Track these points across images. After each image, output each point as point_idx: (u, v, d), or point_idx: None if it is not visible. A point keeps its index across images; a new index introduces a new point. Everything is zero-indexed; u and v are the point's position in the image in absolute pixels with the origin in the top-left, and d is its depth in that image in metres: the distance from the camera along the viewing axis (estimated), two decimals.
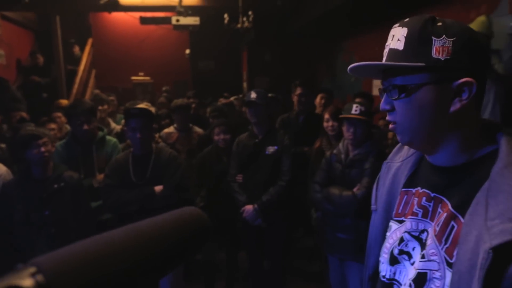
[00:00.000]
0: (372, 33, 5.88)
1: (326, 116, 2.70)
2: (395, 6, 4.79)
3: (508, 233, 0.60)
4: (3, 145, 3.04)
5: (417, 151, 0.87)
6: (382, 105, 0.79)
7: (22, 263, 0.31)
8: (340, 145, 2.37)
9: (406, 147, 0.91)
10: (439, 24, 0.71)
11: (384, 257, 0.86)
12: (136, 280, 0.37)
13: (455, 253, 0.69)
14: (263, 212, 2.59)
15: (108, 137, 2.88)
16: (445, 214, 0.74)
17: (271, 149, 2.61)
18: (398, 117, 0.77)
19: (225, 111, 3.78)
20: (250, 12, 5.76)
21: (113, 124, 3.80)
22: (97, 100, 3.63)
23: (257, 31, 6.29)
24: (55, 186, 2.25)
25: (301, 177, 2.83)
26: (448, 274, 0.70)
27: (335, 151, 2.38)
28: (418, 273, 0.76)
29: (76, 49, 8.02)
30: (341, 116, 2.34)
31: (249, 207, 2.62)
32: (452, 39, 0.70)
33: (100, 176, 2.62)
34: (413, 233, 0.81)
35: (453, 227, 0.72)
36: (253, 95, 2.59)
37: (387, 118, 0.80)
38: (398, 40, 0.74)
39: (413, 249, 0.80)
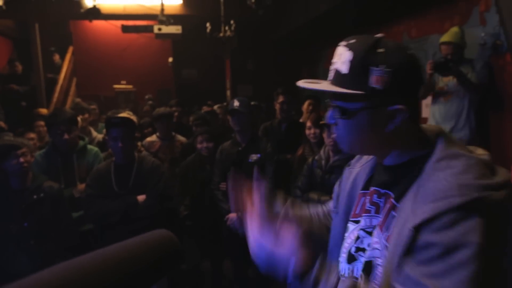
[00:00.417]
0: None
1: (308, 123, 2.75)
2: (372, 17, 4.93)
3: (426, 212, 0.69)
4: None
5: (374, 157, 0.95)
6: (328, 119, 0.87)
7: (2, 276, 0.31)
8: (322, 151, 2.42)
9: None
10: (382, 50, 0.76)
11: (343, 256, 0.91)
12: None
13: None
14: None
15: (89, 146, 2.84)
16: (388, 206, 0.82)
17: (254, 157, 2.63)
18: (339, 132, 0.85)
19: (208, 119, 3.78)
20: (232, 21, 5.82)
21: (94, 133, 3.76)
22: (77, 109, 3.59)
23: (240, 40, 6.34)
24: (35, 197, 2.21)
25: (284, 184, 2.85)
26: None
27: (316, 157, 2.43)
28: (366, 262, 0.83)
29: (56, 57, 7.91)
30: (321, 122, 2.39)
31: (233, 215, 2.62)
32: (390, 70, 0.75)
33: (81, 186, 2.59)
34: (367, 230, 0.87)
35: (393, 216, 0.79)
36: (236, 103, 2.61)
37: (333, 130, 0.89)
38: (343, 62, 0.79)
39: (368, 245, 0.85)
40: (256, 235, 0.89)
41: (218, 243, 2.98)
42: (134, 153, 2.45)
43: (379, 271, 0.79)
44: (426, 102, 4.01)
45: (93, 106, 4.95)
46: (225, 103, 5.96)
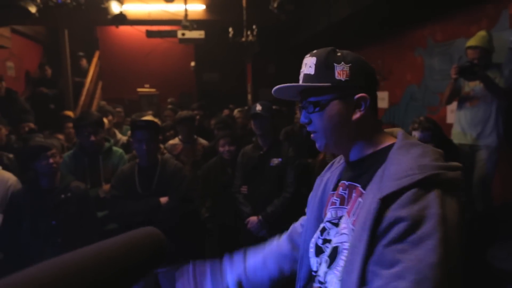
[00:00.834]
0: (374, 46, 5.95)
1: None
2: (396, 20, 4.86)
3: (391, 187, 0.78)
4: (11, 155, 3.09)
5: (342, 162, 1.04)
6: (302, 119, 0.98)
7: None
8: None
9: (335, 163, 1.10)
10: (339, 54, 0.93)
11: (311, 251, 0.98)
12: None
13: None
14: (267, 224, 2.61)
15: (114, 148, 2.92)
16: (355, 195, 0.91)
17: (275, 161, 2.64)
18: (314, 127, 0.96)
19: (230, 123, 3.81)
20: (254, 26, 5.86)
21: (119, 135, 3.86)
22: (102, 111, 3.70)
23: (261, 44, 6.38)
24: (62, 196, 2.28)
25: (306, 189, 2.84)
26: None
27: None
28: (332, 248, 0.90)
29: (84, 61, 8.16)
30: None
31: (253, 219, 2.64)
32: (348, 65, 0.91)
33: (106, 186, 2.66)
34: (333, 221, 0.95)
35: (359, 202, 0.87)
36: (258, 107, 2.63)
37: (308, 129, 0.98)
38: (310, 67, 0.94)
39: (334, 235, 0.92)
40: None
41: (238, 245, 2.99)
42: (158, 155, 2.50)
43: (344, 255, 0.84)
44: (452, 107, 3.92)
45: (118, 109, 5.09)
46: (246, 107, 6.00)
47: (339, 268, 0.84)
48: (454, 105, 3.51)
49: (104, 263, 0.39)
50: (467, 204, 3.25)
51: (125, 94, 9.20)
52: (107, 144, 2.85)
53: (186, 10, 5.90)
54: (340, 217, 0.92)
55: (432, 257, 0.70)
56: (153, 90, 9.41)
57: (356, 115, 0.92)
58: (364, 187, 0.88)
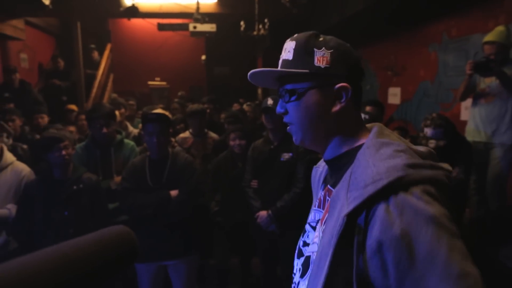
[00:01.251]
0: (387, 41, 5.86)
1: None
2: (412, 16, 4.78)
3: (357, 199, 0.68)
4: (25, 146, 3.14)
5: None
6: (278, 108, 0.90)
7: None
8: None
9: None
10: (321, 39, 0.85)
11: (296, 252, 0.93)
12: None
13: None
14: (277, 218, 2.61)
15: (126, 140, 2.94)
16: (328, 199, 0.83)
17: (286, 155, 2.63)
18: (290, 118, 0.88)
19: (240, 117, 3.81)
20: (266, 20, 5.82)
21: (130, 128, 3.88)
22: (114, 104, 3.72)
23: (272, 38, 6.33)
24: (75, 187, 2.31)
25: None
26: None
27: None
28: (306, 257, 0.85)
29: (95, 54, 8.21)
30: None
31: (263, 213, 2.63)
32: (330, 51, 0.82)
33: (118, 178, 2.68)
34: (312, 224, 0.90)
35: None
36: (270, 101, 2.61)
37: (284, 120, 0.90)
38: (289, 52, 0.86)
39: (312, 239, 0.86)
40: None
41: (247, 240, 3.00)
42: (168, 148, 2.51)
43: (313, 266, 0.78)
44: (466, 104, 3.85)
45: (131, 102, 5.12)
46: (256, 102, 5.98)
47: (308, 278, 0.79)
48: (468, 102, 3.45)
49: (66, 264, 0.38)
50: (481, 203, 3.20)
51: (136, 87, 9.26)
52: (118, 137, 2.87)
53: (198, 3, 5.88)
54: (318, 221, 0.87)
55: (454, 268, 0.61)
56: (163, 83, 9.45)
57: (336, 107, 0.83)
58: (334, 186, 0.81)
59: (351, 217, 0.68)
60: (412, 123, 5.29)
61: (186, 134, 3.61)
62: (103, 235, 0.45)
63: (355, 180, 0.72)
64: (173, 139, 3.39)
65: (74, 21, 6.64)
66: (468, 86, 3.17)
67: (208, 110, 4.74)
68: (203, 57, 9.35)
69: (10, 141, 3.00)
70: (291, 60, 0.85)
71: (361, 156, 0.76)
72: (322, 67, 0.82)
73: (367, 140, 0.80)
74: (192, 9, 5.95)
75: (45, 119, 4.40)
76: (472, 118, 3.26)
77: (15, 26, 5.99)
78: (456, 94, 3.54)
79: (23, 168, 2.51)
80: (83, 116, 3.95)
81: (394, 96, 5.69)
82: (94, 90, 7.40)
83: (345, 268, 0.68)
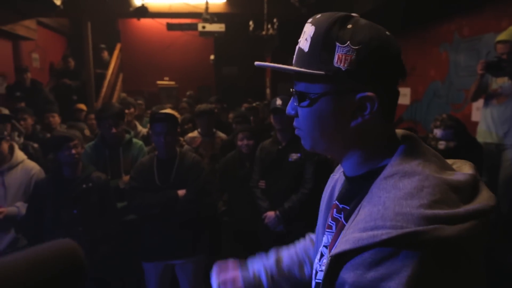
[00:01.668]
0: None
1: None
2: (422, 16, 4.72)
3: (348, 243, 0.57)
4: (36, 145, 3.17)
5: None
6: (288, 109, 0.74)
7: None
8: None
9: None
10: (349, 26, 0.64)
11: (313, 273, 0.83)
12: None
13: None
14: (284, 219, 2.60)
15: (134, 140, 2.96)
16: (339, 225, 0.72)
17: (294, 156, 2.62)
18: (300, 124, 0.72)
19: (248, 117, 3.80)
20: (274, 20, 5.81)
21: (139, 127, 3.90)
22: (124, 103, 3.74)
23: (281, 38, 6.32)
24: (84, 186, 2.33)
25: (325, 184, 2.81)
26: None
27: None
28: (316, 283, 0.76)
29: (105, 53, 8.29)
30: None
31: (271, 214, 2.63)
32: (356, 47, 0.63)
33: (126, 178, 2.70)
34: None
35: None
36: (278, 101, 2.61)
37: (294, 123, 0.74)
38: (306, 40, 0.68)
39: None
40: None
41: (254, 240, 3.00)
42: (176, 148, 2.52)
43: None
44: (477, 105, 3.79)
45: (140, 101, 5.15)
46: (265, 101, 5.97)
47: None
48: (479, 102, 3.40)
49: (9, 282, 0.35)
50: None
51: (145, 86, 9.32)
52: (127, 136, 2.89)
53: (207, 3, 5.90)
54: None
55: None
56: (172, 83, 9.49)
57: (357, 121, 0.65)
58: (346, 219, 0.69)
59: (337, 258, 0.59)
60: (421, 124, 5.23)
61: (195, 133, 3.62)
62: (41, 252, 0.40)
63: (358, 217, 0.61)
64: (181, 139, 3.40)
65: (85, 21, 6.71)
66: (480, 86, 3.12)
67: (216, 110, 4.75)
68: (212, 57, 9.37)
69: (21, 140, 3.04)
70: (306, 52, 0.67)
71: (375, 189, 0.61)
72: (343, 69, 0.63)
73: (387, 166, 0.63)
74: (201, 9, 5.96)
75: (56, 118, 4.45)
76: (484, 119, 3.21)
77: (28, 27, 6.07)
78: (468, 95, 3.49)
79: (33, 167, 2.54)
80: (92, 116, 3.98)
81: (404, 96, 5.63)
82: (104, 89, 7.48)
83: None
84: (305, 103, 0.68)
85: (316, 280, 0.76)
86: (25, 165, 2.51)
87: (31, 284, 0.36)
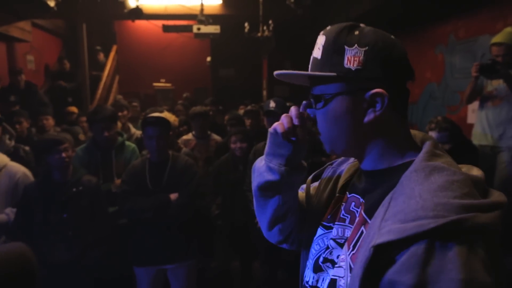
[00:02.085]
0: None
1: None
2: (418, 17, 4.72)
3: (392, 234, 0.58)
4: (27, 148, 3.14)
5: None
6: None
7: (41, 264, 0.29)
8: None
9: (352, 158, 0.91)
10: (356, 32, 0.71)
11: (310, 262, 0.84)
12: None
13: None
14: None
15: (127, 143, 2.93)
16: (359, 219, 0.74)
17: None
18: (319, 127, 0.78)
19: (243, 119, 3.77)
20: (270, 21, 5.79)
21: (133, 130, 3.87)
22: (117, 106, 3.71)
23: (277, 40, 6.31)
24: (74, 189, 2.30)
25: None
26: (350, 281, 0.68)
27: None
28: (331, 279, 0.75)
29: (101, 55, 8.25)
30: None
31: None
32: (364, 49, 0.69)
33: (118, 181, 2.67)
34: (338, 240, 0.79)
35: (362, 232, 0.71)
36: (272, 104, 2.59)
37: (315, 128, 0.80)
38: (318, 48, 0.75)
39: (337, 256, 0.77)
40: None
41: (247, 244, 2.97)
42: (168, 151, 2.49)
43: None
44: (473, 107, 3.78)
45: (135, 104, 5.12)
46: (261, 103, 5.95)
47: None
48: (475, 104, 3.38)
49: None
50: None
51: (141, 88, 9.29)
52: (120, 139, 2.86)
53: (202, 4, 5.88)
54: (346, 239, 0.78)
55: None
56: (168, 84, 9.46)
57: (370, 117, 0.70)
58: (367, 213, 0.71)
59: (380, 249, 0.59)
60: (417, 126, 5.22)
61: (189, 136, 3.60)
62: None
63: (393, 209, 0.62)
64: (179, 141, 3.37)
65: (80, 23, 6.68)
66: (475, 88, 3.10)
67: (211, 112, 4.72)
68: (208, 58, 9.35)
69: (12, 143, 3.00)
70: (319, 59, 0.74)
71: (406, 181, 0.64)
72: (353, 69, 0.69)
73: (415, 161, 0.67)
74: (197, 11, 5.95)
75: (50, 121, 4.42)
76: (479, 121, 3.19)
77: (22, 28, 6.04)
78: (463, 97, 3.48)
79: (17, 170, 2.43)
80: (84, 118, 3.93)
81: None
82: (99, 91, 7.44)
83: None
84: (320, 105, 0.74)
85: (332, 277, 0.75)
86: (9, 169, 2.40)
87: None
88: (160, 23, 6.78)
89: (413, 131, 0.79)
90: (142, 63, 9.52)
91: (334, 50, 0.71)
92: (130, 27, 9.28)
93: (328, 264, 0.79)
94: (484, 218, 0.57)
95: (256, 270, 3.21)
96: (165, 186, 2.39)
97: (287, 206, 0.90)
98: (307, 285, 0.83)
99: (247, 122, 3.59)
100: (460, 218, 0.56)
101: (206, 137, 3.58)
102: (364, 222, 0.72)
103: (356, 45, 0.69)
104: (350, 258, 0.71)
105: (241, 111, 5.02)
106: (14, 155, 2.77)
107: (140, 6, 5.53)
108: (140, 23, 8.43)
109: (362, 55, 0.69)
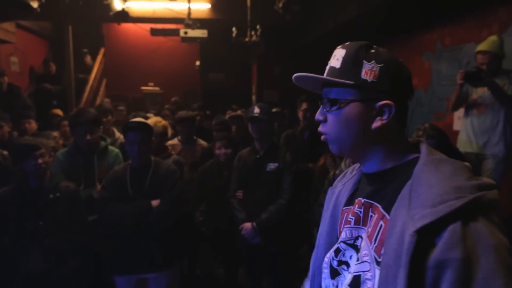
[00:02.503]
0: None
1: None
2: (405, 25, 4.75)
3: (427, 217, 0.67)
4: (5, 152, 3.04)
5: (358, 172, 0.96)
6: (317, 115, 0.88)
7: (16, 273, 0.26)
8: (343, 164, 2.29)
9: (349, 172, 0.99)
10: (372, 51, 0.83)
11: (325, 272, 0.89)
12: None
13: (382, 251, 0.74)
14: (261, 231, 2.53)
15: (110, 148, 2.85)
16: (376, 216, 0.81)
17: (272, 165, 2.56)
18: (328, 128, 0.86)
19: (230, 125, 3.73)
20: (258, 26, 5.78)
21: (117, 134, 3.79)
22: (100, 111, 3.63)
23: (266, 45, 6.30)
24: (51, 196, 2.22)
25: (306, 193, 2.76)
26: (377, 273, 0.74)
27: (337, 172, 2.30)
28: (354, 276, 0.81)
29: (88, 58, 8.14)
30: None
31: (247, 225, 2.55)
32: (380, 65, 0.81)
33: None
34: (348, 242, 0.86)
35: (381, 226, 0.78)
36: (256, 110, 2.55)
37: (319, 129, 0.89)
38: (337, 59, 0.84)
39: (351, 257, 0.84)
40: None
41: (232, 250, 2.92)
42: (151, 157, 2.43)
43: (367, 286, 0.77)
44: (458, 114, 3.80)
45: (121, 107, 5.03)
46: (250, 108, 5.91)
47: None
48: (461, 111, 3.40)
49: None
50: None
51: (129, 92, 9.18)
52: (102, 143, 2.79)
53: (189, 8, 5.83)
54: (356, 238, 0.84)
55: None
56: (157, 88, 9.37)
57: (377, 124, 0.81)
58: (386, 209, 0.79)
59: (419, 234, 0.67)
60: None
61: (175, 141, 3.54)
62: None
63: (418, 198, 0.71)
64: (169, 147, 3.29)
65: (65, 25, 6.58)
66: (460, 96, 3.12)
67: (198, 117, 4.67)
68: (198, 62, 9.29)
69: None
70: (338, 68, 0.84)
71: (421, 173, 0.75)
72: (369, 80, 0.80)
73: (421, 156, 0.79)
74: (185, 15, 5.90)
75: (32, 125, 4.30)
76: (464, 128, 3.21)
77: (5, 29, 5.92)
78: (449, 104, 3.49)
79: None
80: (65, 122, 3.81)
81: None
82: (86, 94, 7.33)
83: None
84: (335, 107, 0.83)
85: (354, 274, 0.80)
86: None
87: None
88: (148, 26, 6.71)
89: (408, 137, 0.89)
90: (130, 66, 9.42)
91: (353, 62, 0.82)
92: (119, 30, 9.19)
93: (343, 266, 0.85)
94: (491, 195, 0.70)
95: (242, 277, 3.15)
96: (146, 193, 2.33)
97: None
98: None
99: (233, 128, 3.55)
100: (476, 196, 0.68)
101: (192, 142, 3.53)
102: (382, 217, 0.78)
103: (373, 61, 0.81)
104: (374, 251, 0.77)
105: (228, 117, 4.98)
106: None
107: (126, 9, 5.47)
108: (130, 26, 8.36)
109: (378, 70, 0.81)
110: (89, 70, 7.96)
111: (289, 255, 3.00)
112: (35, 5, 4.22)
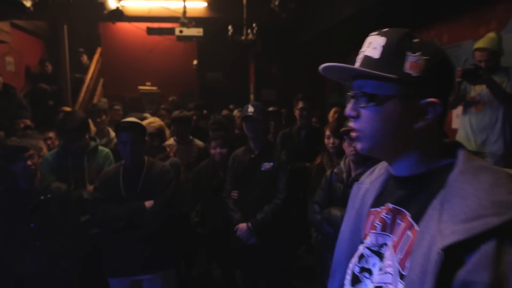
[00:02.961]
0: None
1: (327, 132, 2.60)
2: (401, 21, 4.71)
3: (458, 234, 0.60)
4: None
5: (385, 172, 0.88)
6: (348, 111, 0.78)
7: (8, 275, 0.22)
8: (342, 163, 2.25)
9: (377, 169, 0.92)
10: (416, 40, 0.72)
11: (348, 278, 0.84)
12: None
13: (407, 264, 0.68)
14: (257, 231, 2.49)
15: (100, 148, 2.81)
16: (403, 225, 0.74)
17: (267, 165, 2.52)
18: (362, 125, 0.77)
19: (225, 124, 3.69)
20: (254, 25, 5.73)
21: (112, 134, 3.74)
22: (94, 111, 3.58)
23: (264, 44, 6.27)
24: (42, 197, 2.18)
25: (303, 193, 2.73)
26: (400, 287, 0.68)
27: (335, 170, 2.25)
28: (375, 287, 0.75)
29: (84, 57, 8.08)
30: (341, 130, 2.21)
31: (242, 226, 2.51)
32: (426, 57, 0.71)
33: (91, 187, 2.55)
34: (373, 248, 0.80)
35: (408, 237, 0.71)
36: (250, 109, 2.51)
37: (350, 124, 0.80)
38: (374, 48, 0.74)
39: (374, 265, 0.78)
40: None
41: (229, 251, 2.88)
42: (144, 157, 2.39)
43: None
44: (457, 112, 3.76)
45: (116, 107, 4.98)
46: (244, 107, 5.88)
47: None
48: (459, 109, 3.36)
49: None
50: None
51: (126, 91, 9.12)
52: (92, 143, 2.74)
53: (184, 7, 5.79)
54: (381, 245, 0.78)
55: None
56: (154, 88, 9.31)
57: (419, 124, 0.72)
58: (415, 218, 0.71)
59: (448, 251, 0.60)
60: None
61: (171, 141, 3.49)
62: None
63: (450, 210, 0.64)
64: (168, 149, 3.25)
65: (60, 24, 6.53)
66: (458, 93, 3.08)
67: (194, 117, 4.62)
68: (195, 62, 9.25)
69: None
70: (377, 59, 0.73)
71: (456, 183, 0.66)
72: (413, 75, 0.71)
73: (458, 163, 0.70)
74: (180, 13, 5.85)
75: (28, 125, 4.25)
76: (463, 126, 3.17)
77: (0, 29, 5.86)
78: None
79: None
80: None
81: None
82: (82, 94, 7.28)
83: None
84: (372, 103, 0.73)
85: (376, 285, 0.75)
86: None
87: None
88: (145, 25, 6.67)
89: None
90: (127, 65, 9.36)
91: (396, 53, 0.72)
92: (115, 29, 9.14)
93: (365, 273, 0.79)
94: None
95: (239, 278, 3.12)
96: (140, 193, 2.28)
97: None
98: None
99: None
100: None
101: (188, 142, 3.49)
102: (410, 227, 0.71)
103: (419, 52, 0.71)
104: (398, 263, 0.71)
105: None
106: None
107: (121, 8, 5.42)
108: (126, 25, 8.30)
109: (424, 63, 0.71)
110: (85, 69, 7.90)
111: (287, 255, 2.97)
112: (28, 4, 4.17)
